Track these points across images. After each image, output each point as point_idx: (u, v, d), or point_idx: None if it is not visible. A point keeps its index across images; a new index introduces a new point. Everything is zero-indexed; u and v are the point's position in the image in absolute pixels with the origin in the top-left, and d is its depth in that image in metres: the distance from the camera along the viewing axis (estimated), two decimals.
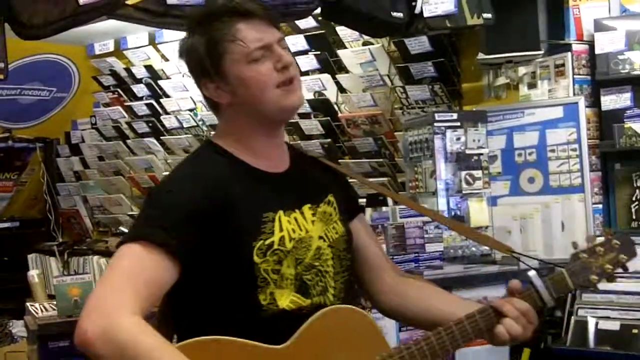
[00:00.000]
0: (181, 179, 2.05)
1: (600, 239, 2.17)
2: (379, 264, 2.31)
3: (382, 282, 2.29)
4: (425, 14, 4.04)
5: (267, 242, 1.98)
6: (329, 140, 5.83)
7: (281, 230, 2.02)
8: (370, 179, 5.44)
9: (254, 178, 2.07)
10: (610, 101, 4.58)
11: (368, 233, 2.36)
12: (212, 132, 6.67)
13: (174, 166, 2.18)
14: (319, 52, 5.85)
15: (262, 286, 1.97)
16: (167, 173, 6.94)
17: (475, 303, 2.21)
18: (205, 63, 2.07)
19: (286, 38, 6.46)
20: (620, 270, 2.15)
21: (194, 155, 2.19)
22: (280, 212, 2.03)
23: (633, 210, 4.60)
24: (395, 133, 5.51)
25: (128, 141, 7.53)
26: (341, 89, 5.86)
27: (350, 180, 2.45)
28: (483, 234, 2.54)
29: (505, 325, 2.06)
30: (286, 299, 1.99)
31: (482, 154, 4.54)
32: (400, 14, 3.99)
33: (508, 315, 2.06)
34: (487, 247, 4.47)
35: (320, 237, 2.10)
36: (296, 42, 5.87)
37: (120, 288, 1.82)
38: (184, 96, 6.95)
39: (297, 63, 2.14)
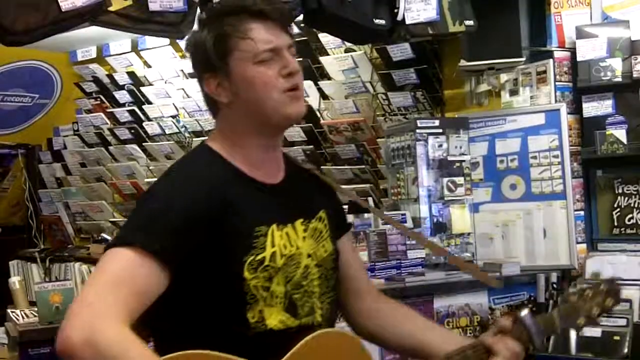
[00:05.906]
0: (175, 183, 1.94)
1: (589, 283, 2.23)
2: (361, 285, 2.26)
3: (362, 304, 2.25)
4: (408, 21, 4.04)
5: (259, 257, 1.90)
6: (311, 146, 5.83)
7: (273, 245, 1.94)
8: (352, 186, 5.46)
9: (248, 187, 1.99)
10: (592, 108, 4.59)
11: (353, 252, 2.31)
12: (194, 139, 6.70)
13: (168, 168, 2.04)
14: (301, 59, 5.83)
15: (252, 303, 1.89)
16: (152, 180, 6.91)
17: (455, 334, 2.24)
18: (211, 57, 1.98)
19: None
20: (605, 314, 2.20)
21: (188, 158, 2.08)
22: (273, 226, 1.96)
23: (615, 217, 4.61)
24: (378, 140, 5.52)
25: (110, 148, 7.50)
26: (323, 96, 5.86)
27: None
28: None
29: None
30: (275, 319, 1.92)
31: (464, 161, 4.56)
32: (382, 21, 3.99)
33: (499, 355, 2.03)
34: (468, 254, 4.49)
35: (309, 255, 2.03)
36: None
37: (107, 294, 1.72)
38: (166, 103, 6.95)
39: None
